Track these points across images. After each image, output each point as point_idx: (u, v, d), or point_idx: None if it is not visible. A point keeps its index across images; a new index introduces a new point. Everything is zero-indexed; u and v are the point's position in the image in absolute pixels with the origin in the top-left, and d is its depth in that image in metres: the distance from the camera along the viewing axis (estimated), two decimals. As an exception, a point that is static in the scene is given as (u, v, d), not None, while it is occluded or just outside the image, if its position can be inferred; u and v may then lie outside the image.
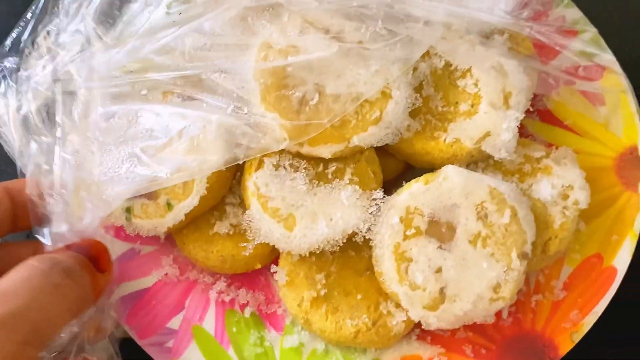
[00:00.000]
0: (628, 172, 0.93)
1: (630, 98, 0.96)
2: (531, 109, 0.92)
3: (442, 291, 0.81)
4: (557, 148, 0.91)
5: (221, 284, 0.92)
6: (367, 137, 0.84)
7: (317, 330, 0.86)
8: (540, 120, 0.99)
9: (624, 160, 0.94)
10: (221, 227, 0.90)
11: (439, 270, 0.81)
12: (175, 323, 0.89)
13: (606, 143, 0.95)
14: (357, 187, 0.85)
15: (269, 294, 0.93)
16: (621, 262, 0.89)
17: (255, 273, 0.94)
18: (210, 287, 0.92)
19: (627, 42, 1.07)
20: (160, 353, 0.86)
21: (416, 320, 0.83)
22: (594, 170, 0.94)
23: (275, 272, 0.88)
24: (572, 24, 1.01)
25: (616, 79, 0.97)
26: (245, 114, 0.84)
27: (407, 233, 0.82)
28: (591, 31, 1.00)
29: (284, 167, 0.86)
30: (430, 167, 0.87)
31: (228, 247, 0.89)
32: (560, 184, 0.87)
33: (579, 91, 0.98)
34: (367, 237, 0.84)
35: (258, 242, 0.86)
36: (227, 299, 0.92)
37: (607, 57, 0.98)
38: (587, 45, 0.98)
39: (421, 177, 0.84)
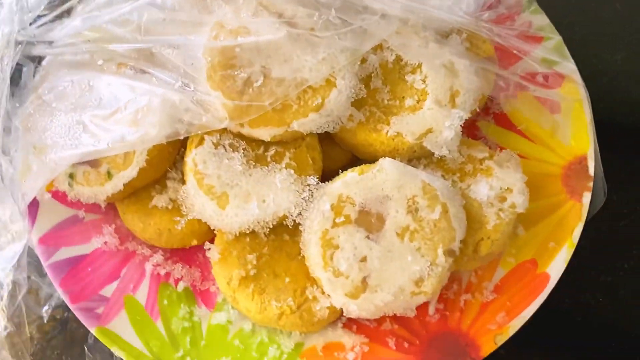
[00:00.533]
0: (575, 181, 0.93)
1: (586, 108, 0.96)
2: (486, 110, 0.94)
3: (364, 280, 0.81)
4: (502, 150, 0.90)
5: (158, 257, 0.93)
6: (307, 122, 0.85)
7: (243, 309, 0.86)
8: (495, 123, 0.99)
9: (571, 169, 0.94)
10: (160, 201, 0.90)
11: (363, 260, 0.81)
12: (108, 291, 0.90)
13: (556, 151, 0.95)
14: (292, 171, 0.85)
15: (205, 272, 0.93)
16: (555, 269, 0.88)
17: (194, 250, 0.94)
18: (147, 259, 0.93)
19: (591, 53, 1.05)
20: (89, 318, 0.87)
21: (338, 307, 0.83)
22: (540, 176, 0.94)
23: (209, 249, 0.88)
24: (537, 30, 1.01)
25: (574, 88, 0.97)
26: (192, 90, 0.85)
27: (337, 220, 0.82)
28: (555, 39, 1.00)
29: (224, 146, 0.86)
30: (373, 160, 0.87)
31: (165, 221, 0.90)
32: (499, 186, 0.87)
33: (537, 98, 0.97)
34: (297, 222, 0.84)
35: (191, 217, 0.87)
36: (162, 272, 0.92)
37: (569, 66, 0.98)
38: (549, 52, 0.98)
39: (357, 167, 0.84)
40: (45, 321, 0.94)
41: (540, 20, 1.02)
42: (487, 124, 0.99)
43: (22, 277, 0.88)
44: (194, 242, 0.91)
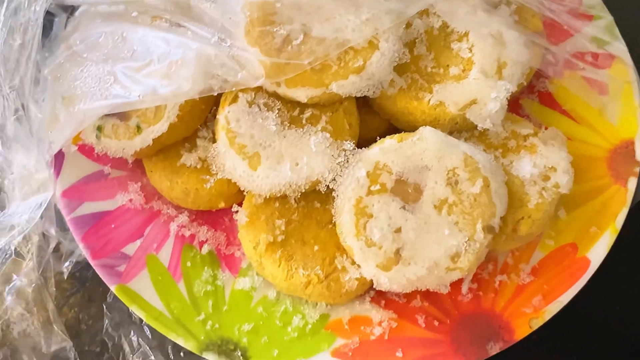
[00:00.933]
0: (620, 165, 0.89)
1: (635, 90, 0.92)
2: (530, 88, 0.90)
3: (397, 252, 0.78)
4: (547, 128, 0.87)
5: (183, 218, 0.90)
6: (347, 85, 0.82)
7: (269, 276, 0.84)
8: (540, 102, 0.96)
9: (617, 153, 0.90)
10: (189, 159, 0.88)
11: (398, 231, 0.78)
12: (130, 249, 0.88)
13: (602, 133, 0.92)
14: (327, 134, 0.82)
15: (231, 236, 0.91)
16: (596, 254, 0.85)
17: (220, 213, 0.92)
18: (172, 219, 0.91)
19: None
20: (109, 275, 0.85)
21: (368, 278, 0.80)
22: (585, 158, 0.90)
23: (237, 212, 0.85)
24: (588, 8, 0.97)
25: (624, 70, 0.94)
26: (228, 46, 0.82)
27: (372, 188, 0.79)
28: (607, 18, 0.97)
29: (258, 105, 0.83)
30: (412, 129, 0.83)
31: (193, 180, 0.87)
32: (542, 164, 0.83)
33: (584, 78, 0.94)
34: (330, 187, 0.81)
35: (220, 177, 0.84)
36: (187, 233, 0.90)
37: (619, 47, 0.95)
38: (600, 31, 0.95)
39: (396, 134, 0.81)
40: (65, 277, 0.91)
41: (591, -2, 0.97)
42: (531, 102, 0.96)
43: (51, 231, 0.86)
44: (221, 205, 0.89)
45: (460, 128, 0.85)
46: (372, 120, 0.89)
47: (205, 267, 0.88)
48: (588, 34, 0.92)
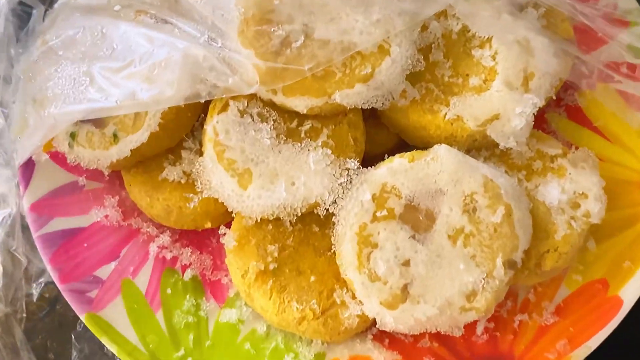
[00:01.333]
0: (658, 191, 0.80)
1: (677, 107, 0.82)
2: (558, 102, 0.83)
3: (405, 288, 0.69)
4: (577, 149, 0.78)
5: (165, 238, 0.82)
6: (352, 95, 0.73)
7: (258, 308, 0.76)
8: (567, 117, 0.87)
9: (655, 178, 0.81)
10: (172, 173, 0.80)
11: (406, 264, 0.69)
12: (104, 272, 0.80)
13: (637, 154, 0.83)
14: (329, 151, 0.74)
15: (218, 260, 0.83)
16: (629, 293, 0.76)
17: (206, 233, 0.84)
18: (152, 239, 0.82)
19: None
20: (79, 303, 0.77)
21: (370, 317, 0.72)
22: (617, 182, 0.82)
23: (224, 234, 0.77)
24: (624, 13, 0.87)
25: (664, 83, 0.83)
26: (219, 46, 0.74)
27: (378, 214, 0.71)
28: (645, 25, 0.87)
29: (251, 115, 0.76)
30: (425, 146, 0.75)
31: (175, 197, 0.79)
32: (572, 189, 0.75)
33: (618, 91, 0.85)
34: (330, 211, 0.73)
35: (206, 196, 0.76)
36: (168, 255, 0.82)
37: (660, 58, 0.84)
38: (638, 40, 0.84)
39: (407, 153, 0.73)
40: (34, 299, 0.83)
41: (628, 3, 0.88)
42: (558, 116, 0.87)
43: (19, 250, 0.78)
44: (208, 225, 0.80)
45: (480, 146, 0.77)
46: (379, 134, 0.81)
47: (188, 295, 0.80)
48: (624, 41, 0.82)
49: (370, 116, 0.79)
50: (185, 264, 0.82)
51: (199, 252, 0.83)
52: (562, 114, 0.87)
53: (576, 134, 0.86)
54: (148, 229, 0.83)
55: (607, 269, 0.78)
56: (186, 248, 0.82)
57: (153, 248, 0.82)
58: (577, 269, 0.79)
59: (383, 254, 0.70)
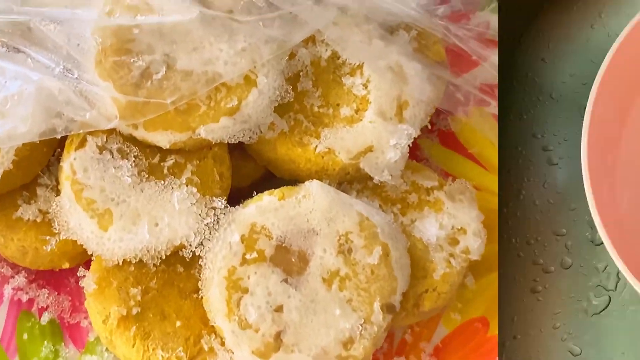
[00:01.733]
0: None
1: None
2: (429, 127, 0.79)
3: (278, 336, 0.66)
4: (454, 179, 0.76)
5: (20, 279, 0.78)
6: (218, 129, 0.70)
7: (121, 356, 0.71)
8: (440, 143, 0.85)
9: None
10: (27, 212, 0.74)
11: (279, 310, 0.67)
12: (-49, 318, 0.74)
13: (515, 182, 0.81)
14: (194, 189, 0.71)
15: (77, 301, 0.78)
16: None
17: (64, 272, 0.79)
18: (7, 280, 0.78)
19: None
20: None
21: (241, 366, 0.67)
22: (495, 213, 0.80)
23: (83, 277, 0.73)
24: (496, 32, 0.86)
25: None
26: (75, 78, 0.70)
27: (247, 257, 0.67)
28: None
29: (110, 152, 0.71)
30: (294, 179, 0.73)
31: (31, 238, 0.74)
32: (450, 224, 0.73)
33: (493, 115, 0.83)
34: (197, 254, 0.70)
35: (64, 237, 0.72)
36: (24, 298, 0.77)
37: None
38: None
39: (277, 190, 0.70)
40: None
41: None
42: (430, 142, 0.85)
43: None
44: (66, 265, 0.76)
45: (352, 179, 0.75)
46: (246, 166, 0.78)
47: (45, 341, 0.76)
48: (496, 62, 0.82)
49: (236, 148, 0.76)
50: (42, 307, 0.78)
51: (56, 293, 0.79)
52: (434, 140, 0.85)
53: (450, 162, 0.84)
54: (2, 269, 0.78)
55: (486, 307, 0.77)
56: (43, 289, 0.78)
57: (8, 290, 0.77)
58: (455, 307, 0.77)
59: (254, 299, 0.67)
